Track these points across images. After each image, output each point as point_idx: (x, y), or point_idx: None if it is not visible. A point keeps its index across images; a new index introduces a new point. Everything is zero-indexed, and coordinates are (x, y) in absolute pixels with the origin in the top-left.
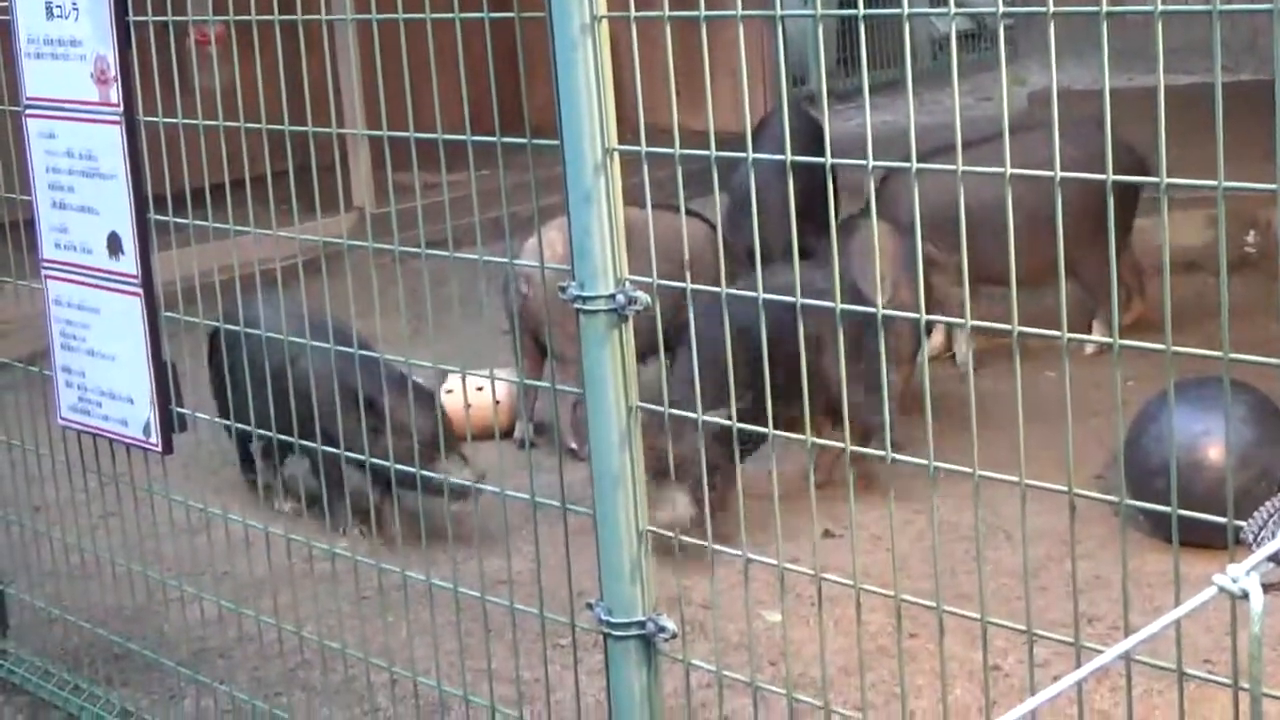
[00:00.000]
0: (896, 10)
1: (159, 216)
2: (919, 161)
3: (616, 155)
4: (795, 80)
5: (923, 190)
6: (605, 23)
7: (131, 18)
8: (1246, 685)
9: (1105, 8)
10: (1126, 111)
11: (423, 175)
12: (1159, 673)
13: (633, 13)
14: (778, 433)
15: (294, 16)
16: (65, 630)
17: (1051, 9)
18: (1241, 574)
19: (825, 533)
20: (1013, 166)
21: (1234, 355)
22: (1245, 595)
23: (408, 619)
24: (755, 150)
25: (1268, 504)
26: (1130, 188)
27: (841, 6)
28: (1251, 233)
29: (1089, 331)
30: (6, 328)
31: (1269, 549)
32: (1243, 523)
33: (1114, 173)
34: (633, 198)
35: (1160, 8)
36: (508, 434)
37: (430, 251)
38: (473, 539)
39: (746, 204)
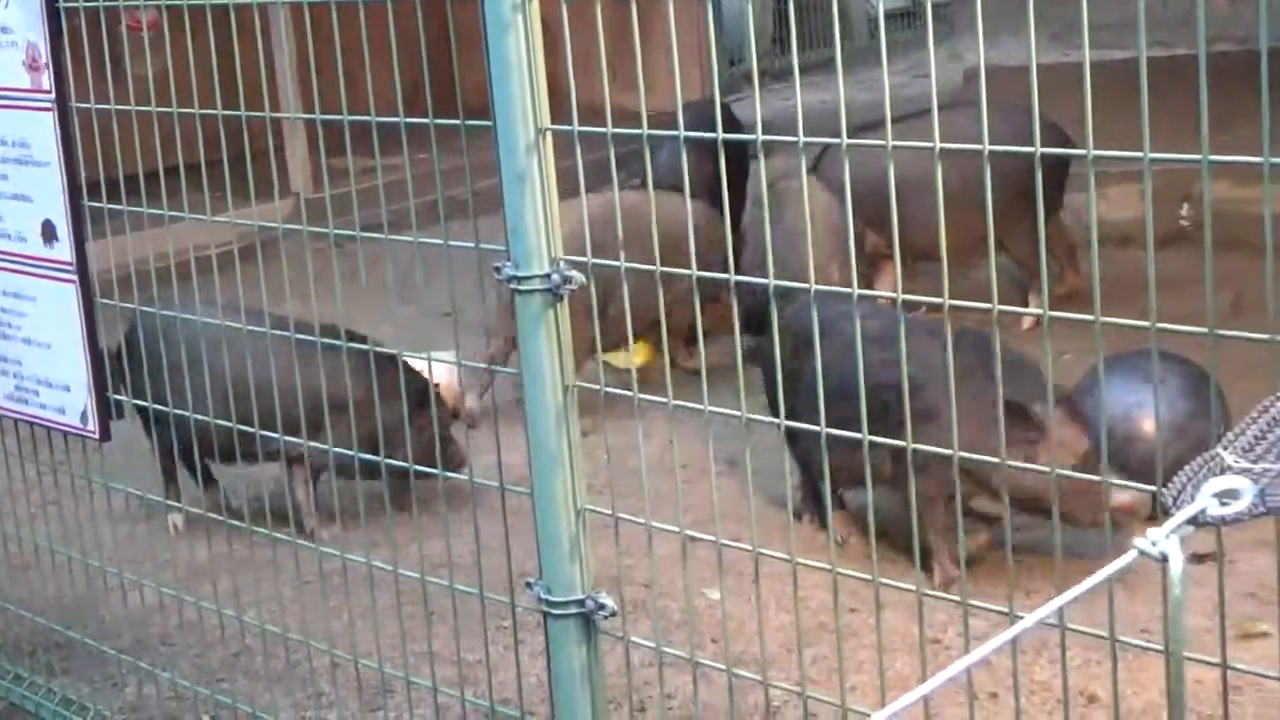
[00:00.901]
0: None
1: (93, 203)
2: (857, 135)
3: (549, 135)
4: (731, 60)
5: (851, 167)
6: (536, 2)
7: (62, 4)
8: (1185, 655)
9: None
10: (1062, 86)
11: (358, 159)
12: (1098, 643)
13: None
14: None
15: (226, 0)
16: (5, 620)
17: None
18: (1161, 537)
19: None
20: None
21: (1162, 325)
22: (1165, 558)
23: (349, 603)
24: (665, 142)
25: (1187, 467)
26: (1058, 164)
27: None
28: (1185, 206)
29: (1024, 307)
30: None
31: (1188, 511)
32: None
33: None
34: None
35: None
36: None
37: (366, 234)
38: (413, 522)
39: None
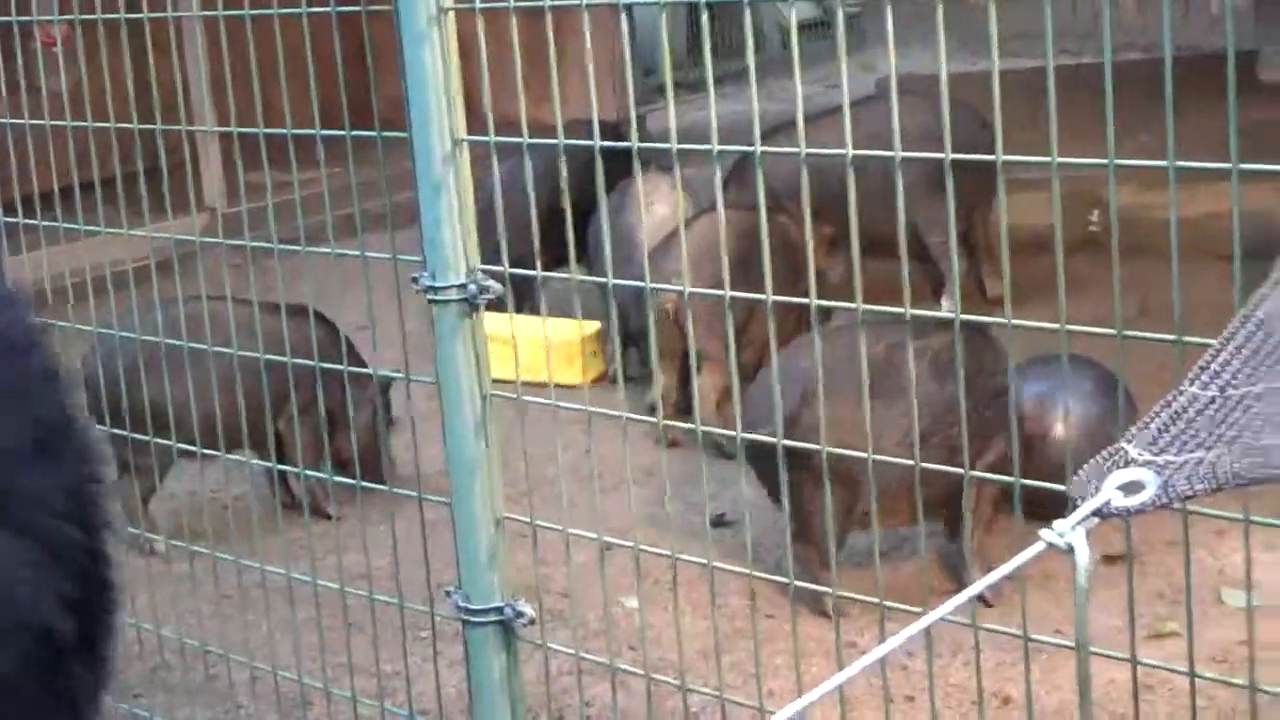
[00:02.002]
0: None
1: (8, 219)
2: (775, 133)
3: (465, 146)
4: (645, 71)
5: (785, 162)
6: (452, 15)
7: None
8: (1093, 649)
9: None
10: (971, 95)
11: (274, 173)
12: (1012, 646)
13: (479, 3)
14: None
15: (140, 15)
16: None
17: None
18: (1067, 529)
19: (719, 518)
20: (867, 133)
21: (1072, 327)
22: (1071, 550)
23: (268, 616)
24: (519, 163)
25: (1092, 461)
26: (984, 150)
27: None
28: (1095, 212)
29: (939, 301)
30: None
31: (1093, 503)
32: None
33: (967, 141)
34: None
35: None
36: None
37: (283, 247)
38: (331, 533)
39: (492, 210)
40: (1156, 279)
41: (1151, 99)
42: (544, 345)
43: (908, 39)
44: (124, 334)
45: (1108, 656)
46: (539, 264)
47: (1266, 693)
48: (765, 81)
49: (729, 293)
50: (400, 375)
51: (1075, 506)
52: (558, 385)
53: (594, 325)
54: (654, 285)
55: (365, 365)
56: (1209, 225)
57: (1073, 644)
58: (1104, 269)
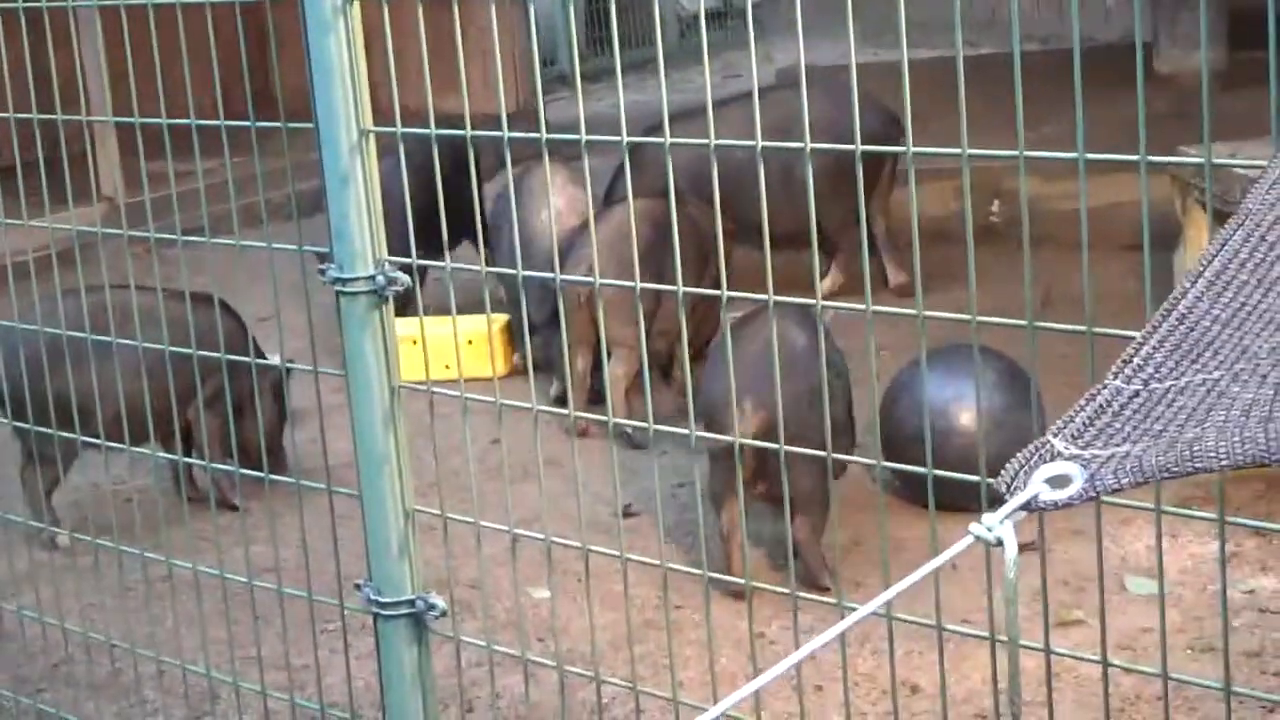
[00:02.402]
0: None
1: None
2: (678, 121)
3: (372, 137)
4: (546, 61)
5: (680, 153)
6: (357, 4)
7: None
8: (1002, 638)
9: None
10: (877, 85)
11: (176, 163)
12: (921, 633)
13: None
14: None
15: (38, 4)
16: None
17: None
18: (996, 522)
19: (625, 510)
20: (768, 122)
21: (982, 318)
22: (1000, 543)
23: (174, 609)
24: (392, 155)
25: (1019, 455)
26: (883, 142)
27: None
28: (996, 202)
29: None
30: None
31: (1021, 498)
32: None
33: (868, 130)
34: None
35: None
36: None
37: (187, 238)
38: (238, 525)
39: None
40: (1059, 269)
41: (1049, 91)
42: (454, 340)
43: (809, 29)
44: (25, 325)
45: (1025, 647)
46: (447, 256)
47: (1177, 680)
48: (664, 72)
49: (639, 284)
50: (300, 366)
51: (1003, 500)
52: (471, 379)
53: (503, 318)
54: (564, 277)
55: (266, 356)
56: (1109, 215)
57: (984, 634)
58: (1004, 259)
